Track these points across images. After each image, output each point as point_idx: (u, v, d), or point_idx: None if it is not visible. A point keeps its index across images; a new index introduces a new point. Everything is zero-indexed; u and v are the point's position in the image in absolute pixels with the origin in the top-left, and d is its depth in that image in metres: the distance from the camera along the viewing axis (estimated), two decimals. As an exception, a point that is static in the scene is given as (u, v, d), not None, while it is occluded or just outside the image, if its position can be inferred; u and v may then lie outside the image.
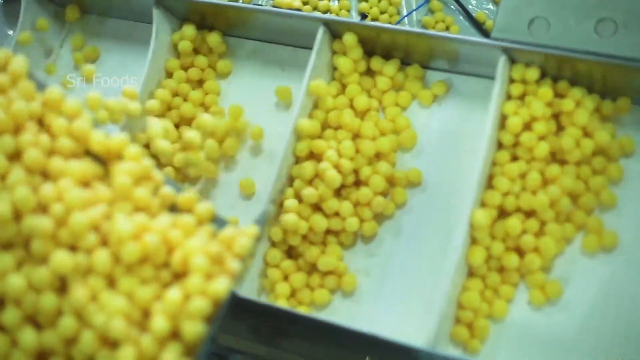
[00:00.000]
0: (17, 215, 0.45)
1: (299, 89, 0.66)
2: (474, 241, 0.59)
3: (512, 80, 0.62)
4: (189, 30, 0.71)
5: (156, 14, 0.70)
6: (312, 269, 0.63)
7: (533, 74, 0.61)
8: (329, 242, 0.63)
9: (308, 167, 0.62)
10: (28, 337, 0.44)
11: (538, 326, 0.58)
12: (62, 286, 0.45)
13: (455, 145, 0.64)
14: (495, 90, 0.60)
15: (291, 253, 0.64)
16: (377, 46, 0.67)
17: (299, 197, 0.63)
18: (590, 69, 0.60)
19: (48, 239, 0.44)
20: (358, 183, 0.64)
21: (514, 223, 0.59)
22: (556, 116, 0.61)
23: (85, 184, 0.47)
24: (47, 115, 0.49)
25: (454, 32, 0.95)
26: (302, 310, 0.62)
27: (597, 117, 0.61)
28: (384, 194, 0.64)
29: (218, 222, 0.49)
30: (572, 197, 0.60)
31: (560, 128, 0.61)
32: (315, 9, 0.96)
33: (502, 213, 0.60)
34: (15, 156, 0.47)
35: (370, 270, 0.63)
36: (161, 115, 0.69)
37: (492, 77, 0.64)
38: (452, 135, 0.65)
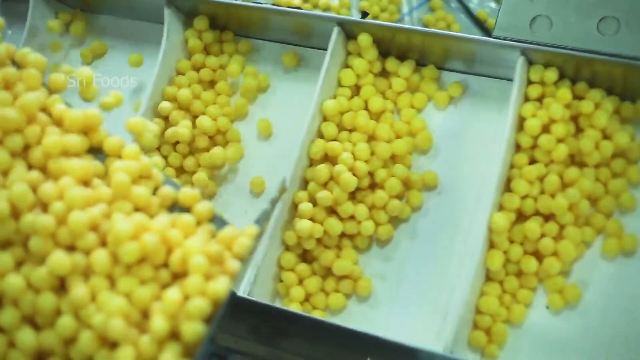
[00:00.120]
0: (16, 213, 0.44)
1: (313, 90, 0.65)
2: (492, 245, 0.58)
3: (530, 82, 0.61)
4: (201, 26, 0.70)
5: (167, 14, 0.69)
6: (327, 273, 0.63)
7: (552, 75, 0.60)
8: (344, 245, 0.63)
9: (323, 170, 0.62)
10: (26, 337, 0.44)
11: (557, 331, 0.58)
12: (61, 286, 0.45)
13: (471, 148, 0.64)
14: (514, 92, 0.60)
15: (306, 257, 0.63)
16: (392, 47, 0.66)
17: (313, 200, 0.62)
18: (609, 70, 0.59)
19: (48, 237, 0.44)
20: (373, 186, 0.63)
21: (533, 226, 0.58)
22: (575, 118, 0.60)
23: (86, 182, 0.47)
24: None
25: (455, 30, 0.95)
26: (317, 315, 0.61)
27: (617, 119, 0.60)
28: (400, 197, 0.63)
29: (218, 221, 0.48)
30: (592, 200, 0.59)
31: (579, 130, 0.60)
32: (315, 7, 0.96)
33: (520, 216, 0.60)
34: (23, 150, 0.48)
35: (386, 274, 0.62)
36: (173, 117, 0.68)
37: (508, 79, 0.63)
38: (468, 137, 0.64)
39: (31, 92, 0.49)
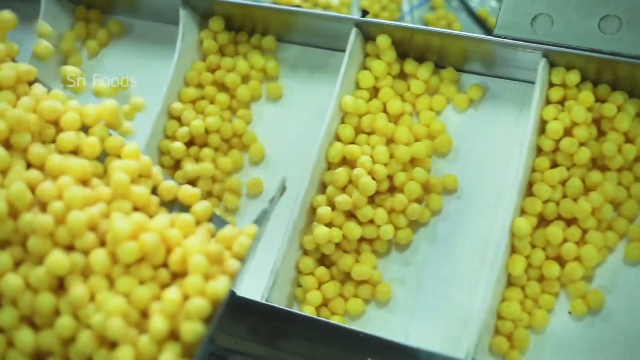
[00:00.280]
0: (14, 213, 0.44)
1: (329, 92, 0.64)
2: (513, 250, 0.58)
3: (551, 84, 0.60)
4: (216, 27, 0.69)
5: (183, 15, 0.68)
6: (345, 277, 0.62)
7: (574, 77, 0.59)
8: (363, 250, 0.62)
9: (342, 174, 0.61)
10: (25, 337, 0.43)
11: (579, 336, 0.57)
12: (59, 285, 0.44)
13: (491, 151, 0.63)
14: (536, 95, 0.59)
15: (324, 261, 0.62)
16: (410, 48, 0.65)
17: (331, 204, 0.62)
18: (632, 73, 0.58)
19: (46, 236, 0.44)
20: (392, 189, 0.62)
21: (555, 231, 0.57)
22: (597, 121, 0.60)
23: (85, 182, 0.47)
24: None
25: (456, 29, 0.94)
26: (336, 320, 0.60)
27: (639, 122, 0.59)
28: (419, 200, 0.62)
29: (217, 221, 0.48)
30: (614, 204, 0.58)
31: (601, 133, 0.60)
32: (315, 6, 0.95)
33: (542, 221, 0.59)
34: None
35: (405, 279, 0.61)
36: (186, 117, 0.68)
37: (528, 81, 0.63)
38: (487, 140, 0.63)
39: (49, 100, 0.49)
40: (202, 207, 0.48)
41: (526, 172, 0.58)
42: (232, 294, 0.44)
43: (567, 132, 0.59)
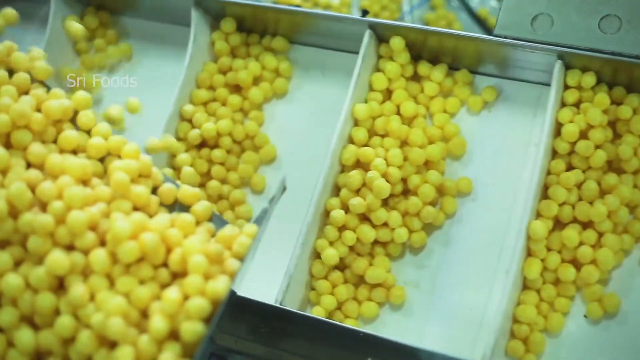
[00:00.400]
0: (14, 213, 0.44)
1: (341, 93, 0.64)
2: (529, 253, 0.57)
3: (566, 87, 0.60)
4: (228, 28, 0.69)
5: (195, 16, 0.68)
6: (359, 281, 0.61)
7: (589, 80, 0.59)
8: (377, 253, 0.61)
9: (355, 176, 0.61)
10: (25, 337, 0.43)
11: (595, 340, 0.57)
12: (59, 285, 0.44)
13: (505, 153, 0.63)
14: (551, 97, 0.59)
15: (338, 265, 0.62)
16: (423, 50, 0.65)
17: (345, 207, 0.61)
18: (647, 75, 0.58)
19: (46, 236, 0.44)
20: (406, 192, 0.62)
21: (571, 234, 0.57)
22: (612, 124, 0.59)
23: (85, 181, 0.47)
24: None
25: (456, 29, 0.94)
26: (350, 324, 0.60)
27: (655, 125, 0.59)
28: (433, 203, 0.62)
29: (217, 221, 0.48)
30: (630, 207, 0.58)
31: (616, 136, 0.59)
32: (315, 5, 0.95)
33: (558, 224, 0.59)
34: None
35: (420, 282, 0.61)
36: (197, 119, 0.67)
37: (542, 83, 0.63)
38: (502, 142, 0.63)
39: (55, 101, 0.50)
40: (202, 206, 0.48)
41: (542, 175, 0.58)
42: (232, 294, 0.44)
43: (583, 135, 0.59)
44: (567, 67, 0.60)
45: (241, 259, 0.45)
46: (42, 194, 0.44)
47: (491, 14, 0.97)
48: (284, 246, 0.63)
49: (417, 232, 0.61)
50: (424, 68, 0.65)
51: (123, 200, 0.46)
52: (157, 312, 0.42)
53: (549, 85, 0.62)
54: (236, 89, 0.69)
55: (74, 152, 0.50)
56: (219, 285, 0.42)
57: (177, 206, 0.49)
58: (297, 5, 0.89)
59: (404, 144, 0.63)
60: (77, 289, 0.43)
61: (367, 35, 0.63)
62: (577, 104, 0.60)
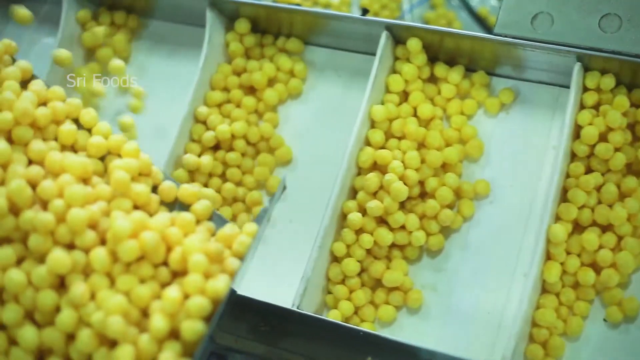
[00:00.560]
0: (15, 210, 0.44)
1: (357, 95, 0.64)
2: (548, 256, 0.57)
3: (585, 89, 0.59)
4: (242, 29, 0.68)
5: (210, 17, 0.67)
6: (376, 284, 0.61)
7: (609, 82, 0.58)
8: (394, 256, 0.61)
9: (373, 179, 0.60)
10: (29, 334, 0.43)
11: (615, 344, 0.56)
12: (61, 283, 0.44)
13: (523, 155, 0.62)
14: (571, 99, 0.58)
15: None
16: (440, 52, 0.64)
17: (362, 210, 0.61)
18: (667, 77, 0.58)
19: (47, 234, 0.44)
20: (423, 195, 0.62)
21: (591, 238, 0.56)
22: (632, 126, 0.59)
23: (85, 180, 0.47)
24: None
25: (457, 28, 0.94)
26: (367, 327, 0.60)
27: (675, 127, 0.58)
28: (451, 206, 0.61)
29: (217, 220, 0.48)
30: (650, 210, 0.58)
31: (636, 138, 0.59)
32: (315, 4, 0.94)
33: (577, 227, 0.58)
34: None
35: (437, 285, 0.61)
36: (212, 121, 0.67)
37: (560, 85, 0.63)
38: (520, 144, 0.63)
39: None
40: (202, 205, 0.48)
41: (561, 178, 0.58)
42: (232, 293, 0.44)
43: (602, 137, 0.58)
44: (586, 69, 0.59)
45: (241, 258, 0.45)
46: (43, 192, 0.44)
47: (491, 12, 0.97)
48: (301, 249, 0.62)
49: (435, 235, 0.61)
50: (440, 70, 0.64)
51: (123, 199, 0.46)
52: (157, 311, 0.42)
53: (566, 87, 0.61)
54: (250, 90, 0.69)
55: (74, 150, 0.50)
56: (219, 284, 0.42)
57: (177, 205, 0.49)
58: (297, 4, 0.89)
59: (420, 146, 0.62)
60: (78, 288, 0.43)
61: (383, 36, 0.63)
62: (596, 106, 0.59)
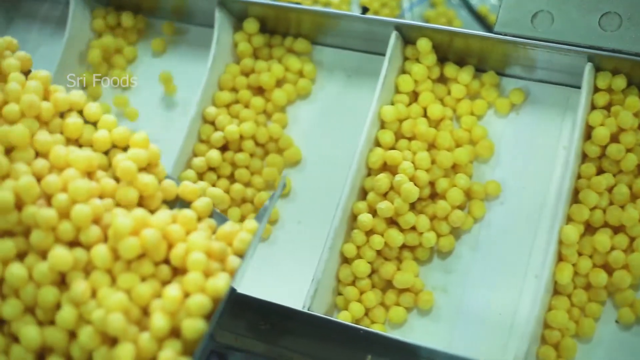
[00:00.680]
0: (19, 204, 0.44)
1: (366, 95, 0.63)
2: (560, 257, 0.57)
3: (596, 89, 0.59)
4: (250, 29, 0.68)
5: (218, 17, 0.67)
6: (387, 285, 0.61)
7: (620, 82, 0.58)
8: (405, 257, 0.61)
9: (383, 180, 0.60)
10: (31, 332, 0.43)
11: (627, 346, 0.56)
12: (62, 280, 0.44)
13: (534, 156, 0.62)
14: (582, 100, 0.58)
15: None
16: (449, 52, 0.64)
17: (372, 211, 0.60)
18: (678, 77, 0.57)
19: (49, 230, 0.43)
20: (433, 196, 0.61)
21: (603, 239, 0.56)
22: (643, 126, 0.59)
23: (90, 174, 0.47)
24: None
25: (457, 26, 0.94)
26: (377, 329, 0.59)
27: (687, 128, 0.58)
28: (462, 207, 0.61)
29: (217, 217, 0.48)
30: (662, 211, 0.57)
31: (647, 139, 0.59)
32: (315, 3, 0.94)
33: (589, 228, 0.58)
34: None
35: (448, 287, 0.60)
36: (220, 122, 0.66)
37: (570, 85, 0.62)
38: (530, 145, 0.62)
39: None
40: (202, 203, 0.48)
41: (572, 179, 0.57)
42: (232, 291, 0.44)
43: (614, 138, 0.58)
44: (597, 69, 0.59)
45: (241, 255, 0.45)
46: (47, 186, 0.44)
47: (491, 11, 0.97)
48: (309, 250, 0.62)
49: (446, 236, 0.60)
50: (450, 70, 0.64)
51: (129, 188, 0.46)
52: (157, 310, 0.42)
53: (576, 87, 0.61)
54: (259, 90, 0.69)
55: (79, 144, 0.50)
56: (219, 283, 0.42)
57: (177, 203, 0.49)
58: (297, 2, 0.88)
59: (431, 146, 0.62)
60: (79, 286, 0.43)
61: (393, 36, 0.62)
62: (607, 107, 0.59)
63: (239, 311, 0.53)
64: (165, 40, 0.73)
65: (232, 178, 0.67)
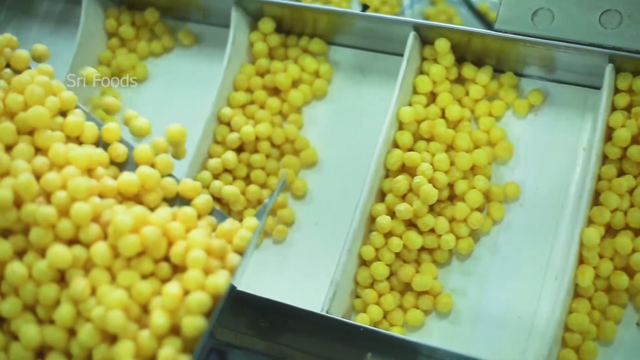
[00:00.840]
0: (18, 202, 0.44)
1: (382, 95, 0.63)
2: (581, 260, 0.56)
3: (617, 90, 0.59)
4: (266, 28, 0.68)
5: (235, 16, 0.66)
6: (405, 288, 0.60)
7: (641, 83, 0.58)
8: (423, 260, 0.60)
9: (402, 182, 0.59)
10: (30, 331, 0.43)
11: (648, 348, 0.56)
12: (61, 277, 0.44)
13: (553, 158, 0.61)
14: (603, 101, 0.58)
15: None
16: (467, 52, 0.63)
17: (391, 213, 0.60)
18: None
19: (48, 228, 0.43)
20: (452, 198, 0.61)
21: (624, 241, 0.56)
22: (664, 128, 0.58)
23: (90, 171, 0.47)
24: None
25: (457, 23, 0.93)
26: (396, 331, 0.59)
27: None
28: (481, 209, 0.61)
29: (217, 215, 0.48)
30: (683, 213, 0.57)
31: (668, 141, 0.58)
32: (314, 0, 0.93)
33: (609, 230, 0.57)
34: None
35: (467, 289, 0.60)
36: (236, 123, 0.66)
37: (589, 86, 0.62)
38: (549, 146, 0.62)
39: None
40: (202, 200, 0.48)
41: (593, 181, 0.57)
42: (232, 289, 0.44)
43: (635, 140, 0.57)
44: (618, 70, 0.59)
45: (241, 253, 0.45)
46: (47, 184, 0.44)
47: (491, 8, 0.97)
48: (326, 251, 0.62)
49: (465, 238, 0.60)
50: (468, 70, 0.63)
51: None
52: (157, 308, 0.42)
53: (595, 87, 0.61)
54: (274, 91, 0.68)
55: (80, 142, 0.50)
56: (219, 280, 0.42)
57: (178, 200, 0.49)
58: (297, 0, 0.88)
59: (449, 148, 0.62)
60: (79, 283, 0.43)
61: (411, 37, 0.62)
62: (627, 108, 0.59)
63: (238, 309, 0.53)
64: (181, 40, 0.73)
65: (247, 179, 0.66)
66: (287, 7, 0.67)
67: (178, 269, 0.44)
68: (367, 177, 0.60)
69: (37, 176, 0.45)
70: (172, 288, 0.42)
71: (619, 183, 0.57)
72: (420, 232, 0.60)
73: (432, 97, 0.64)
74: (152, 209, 0.46)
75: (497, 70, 0.64)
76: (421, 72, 0.64)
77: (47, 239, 0.44)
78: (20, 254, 0.45)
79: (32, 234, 0.43)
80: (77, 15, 0.73)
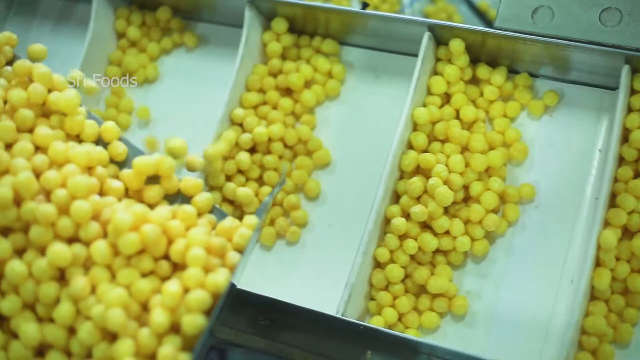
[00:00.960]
0: (18, 200, 0.44)
1: (396, 96, 0.62)
2: (597, 262, 0.56)
3: (633, 91, 0.58)
4: (279, 28, 0.67)
5: (248, 16, 0.66)
6: (420, 290, 0.60)
7: (658, 84, 0.57)
8: (438, 262, 0.60)
9: (417, 183, 0.59)
10: (30, 329, 0.43)
11: (665, 351, 0.55)
12: (61, 275, 0.44)
13: (568, 159, 0.61)
14: (619, 102, 0.57)
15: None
16: (482, 53, 0.63)
17: (406, 215, 0.60)
18: None
19: (48, 226, 0.44)
20: (467, 199, 0.61)
21: (642, 243, 0.56)
22: (681, 130, 0.58)
23: (90, 169, 0.47)
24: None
25: (457, 21, 0.93)
26: (411, 334, 0.58)
27: None
28: (496, 211, 0.60)
29: (217, 213, 0.48)
30: (700, 215, 0.57)
31: (685, 142, 0.58)
32: None
33: (626, 232, 0.57)
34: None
35: (482, 292, 0.60)
36: (249, 124, 0.65)
37: (605, 87, 0.61)
38: (565, 148, 0.61)
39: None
40: (203, 198, 0.48)
41: (609, 183, 0.57)
42: (232, 287, 0.44)
43: (651, 142, 0.57)
44: (634, 71, 0.58)
45: (241, 251, 0.45)
46: (47, 182, 0.44)
47: (491, 6, 0.96)
48: (340, 253, 0.62)
49: (480, 240, 0.60)
50: (483, 71, 0.63)
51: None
52: (157, 306, 0.42)
53: (611, 88, 0.61)
54: (287, 92, 0.68)
55: (79, 140, 0.50)
56: (219, 278, 0.42)
57: (178, 198, 0.49)
58: None
59: (464, 149, 0.61)
60: (79, 281, 0.43)
61: (426, 37, 0.61)
62: (642, 110, 0.58)
63: (238, 307, 0.53)
64: (192, 40, 0.72)
65: (260, 180, 0.66)
66: (300, 7, 0.66)
67: (178, 267, 0.44)
68: (381, 178, 0.59)
69: (37, 174, 0.45)
70: (172, 286, 0.42)
71: (635, 185, 0.57)
72: (435, 234, 0.59)
73: (447, 98, 0.63)
74: (152, 207, 0.46)
75: (512, 71, 0.64)
76: (435, 72, 0.63)
77: (47, 237, 0.44)
78: (20, 252, 0.45)
79: (32, 232, 0.43)
80: (88, 15, 0.72)
